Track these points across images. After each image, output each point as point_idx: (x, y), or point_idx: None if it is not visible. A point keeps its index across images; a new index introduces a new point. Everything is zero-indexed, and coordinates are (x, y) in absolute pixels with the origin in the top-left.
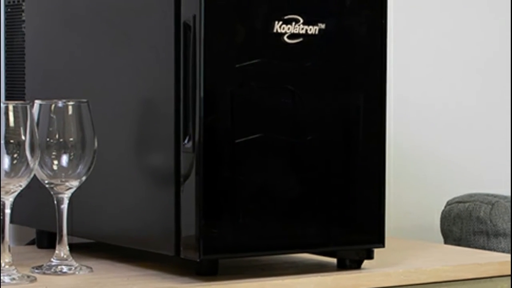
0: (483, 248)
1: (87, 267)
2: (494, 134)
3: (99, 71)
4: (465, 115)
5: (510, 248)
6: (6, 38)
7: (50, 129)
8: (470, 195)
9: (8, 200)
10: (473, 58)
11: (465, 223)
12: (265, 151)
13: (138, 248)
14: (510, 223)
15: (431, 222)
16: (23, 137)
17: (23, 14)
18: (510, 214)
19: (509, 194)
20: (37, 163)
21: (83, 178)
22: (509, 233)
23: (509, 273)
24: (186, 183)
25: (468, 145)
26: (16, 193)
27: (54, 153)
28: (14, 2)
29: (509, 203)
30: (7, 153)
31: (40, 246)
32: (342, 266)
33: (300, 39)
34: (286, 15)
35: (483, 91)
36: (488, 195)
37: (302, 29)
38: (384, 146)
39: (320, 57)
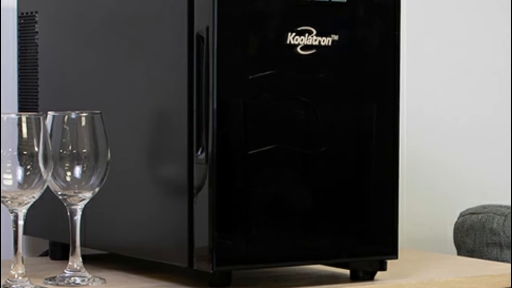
0: (496, 259)
1: (100, 278)
2: (507, 145)
3: (112, 82)
4: (478, 126)
5: None
6: (19, 50)
7: (63, 140)
8: (483, 207)
9: (21, 212)
10: (487, 69)
11: (478, 235)
12: (278, 162)
13: (151, 260)
14: None
15: (444, 234)
16: (36, 149)
17: (36, 26)
18: None
19: None
20: (50, 174)
21: (96, 190)
22: None
23: None
24: (199, 195)
25: (481, 157)
26: (29, 205)
27: (67, 165)
28: (27, 13)
29: None
30: (20, 165)
31: (54, 257)
32: (355, 277)
33: (313, 51)
34: (300, 26)
35: (496, 103)
36: (501, 206)
37: (316, 40)
38: (397, 157)
39: (333, 69)
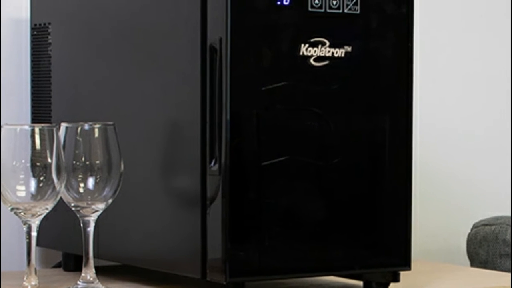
0: (509, 271)
1: None
2: None
3: (125, 94)
4: (491, 138)
5: None
6: (32, 61)
7: (76, 151)
8: (496, 218)
9: (35, 223)
10: (500, 81)
11: (491, 246)
12: (291, 173)
13: (164, 271)
14: None
15: (458, 245)
16: (49, 160)
17: (49, 37)
18: None
19: None
20: (63, 186)
21: (109, 201)
22: None
23: None
24: (212, 206)
25: (494, 168)
26: (42, 216)
27: (80, 176)
28: (40, 25)
29: None
30: (34, 176)
31: (67, 269)
32: None
33: (327, 62)
34: (313, 38)
35: (509, 114)
36: None
37: (329, 52)
38: (411, 168)
39: (346, 80)
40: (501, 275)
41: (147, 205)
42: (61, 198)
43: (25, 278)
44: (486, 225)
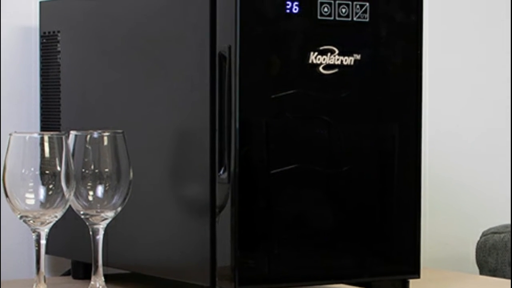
0: None
1: None
2: None
3: (135, 102)
4: (500, 146)
5: None
6: (41, 69)
7: (86, 159)
8: (506, 226)
9: (44, 231)
10: (508, 90)
11: (500, 254)
12: (301, 181)
13: (173, 279)
14: None
15: (467, 253)
16: (58, 168)
17: (58, 45)
18: None
19: None
20: (72, 194)
21: (119, 209)
22: None
23: None
24: (222, 214)
25: (503, 176)
26: (51, 224)
27: (89, 184)
28: (49, 33)
29: None
30: (43, 184)
31: (76, 277)
32: None
33: (336, 70)
34: (322, 46)
35: None
36: None
37: (338, 60)
38: (420, 176)
39: (356, 88)
40: (510, 283)
41: (156, 213)
42: (70, 206)
43: (34, 286)
44: (496, 233)
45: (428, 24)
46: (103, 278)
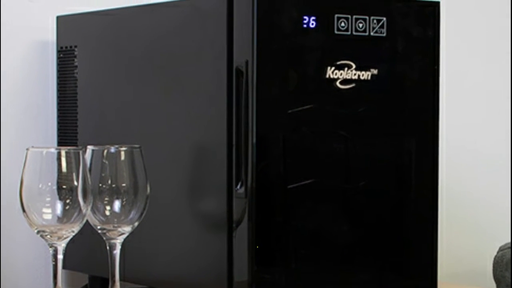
0: None
1: None
2: None
3: (152, 117)
4: None
5: None
6: (58, 84)
7: (103, 174)
8: None
9: (61, 246)
10: None
11: None
12: (318, 196)
13: None
14: None
15: (484, 268)
16: (75, 183)
17: (75, 60)
18: None
19: None
20: (89, 208)
21: (136, 224)
22: None
23: None
24: (239, 229)
25: None
26: (68, 239)
27: (106, 199)
28: (66, 47)
29: None
30: (60, 199)
31: None
32: None
33: (353, 85)
34: (339, 60)
35: None
36: None
37: (355, 74)
38: (437, 191)
39: (373, 103)
40: None
41: (173, 228)
42: (87, 220)
43: None
44: None
45: (445, 39)
46: None
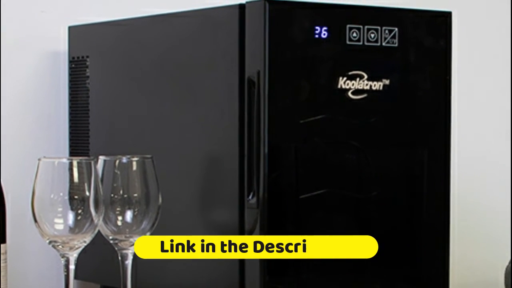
0: None
1: None
2: None
3: (163, 127)
4: None
5: None
6: (70, 94)
7: (115, 185)
8: None
9: (73, 256)
10: None
11: None
12: (330, 206)
13: None
14: None
15: (496, 278)
16: (87, 193)
17: (87, 70)
18: None
19: None
20: (101, 219)
21: (148, 234)
22: None
23: None
24: None
25: None
26: (80, 249)
27: (118, 209)
28: (78, 58)
29: None
30: (72, 209)
31: None
32: None
33: (365, 95)
34: (351, 71)
35: None
36: None
37: (367, 85)
38: (448, 201)
39: (384, 113)
40: None
41: None
42: (99, 231)
43: None
44: None
45: (457, 49)
46: None
